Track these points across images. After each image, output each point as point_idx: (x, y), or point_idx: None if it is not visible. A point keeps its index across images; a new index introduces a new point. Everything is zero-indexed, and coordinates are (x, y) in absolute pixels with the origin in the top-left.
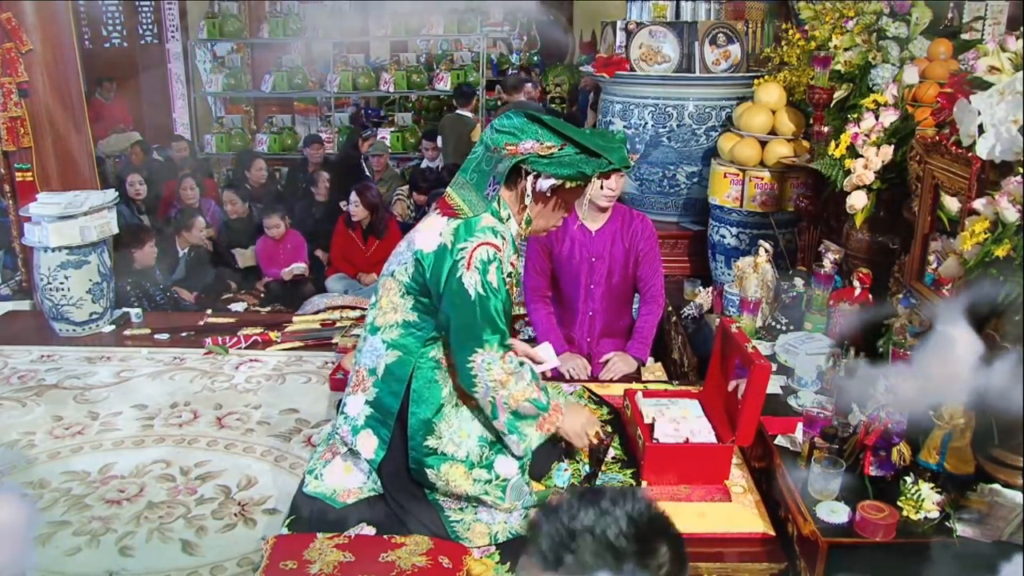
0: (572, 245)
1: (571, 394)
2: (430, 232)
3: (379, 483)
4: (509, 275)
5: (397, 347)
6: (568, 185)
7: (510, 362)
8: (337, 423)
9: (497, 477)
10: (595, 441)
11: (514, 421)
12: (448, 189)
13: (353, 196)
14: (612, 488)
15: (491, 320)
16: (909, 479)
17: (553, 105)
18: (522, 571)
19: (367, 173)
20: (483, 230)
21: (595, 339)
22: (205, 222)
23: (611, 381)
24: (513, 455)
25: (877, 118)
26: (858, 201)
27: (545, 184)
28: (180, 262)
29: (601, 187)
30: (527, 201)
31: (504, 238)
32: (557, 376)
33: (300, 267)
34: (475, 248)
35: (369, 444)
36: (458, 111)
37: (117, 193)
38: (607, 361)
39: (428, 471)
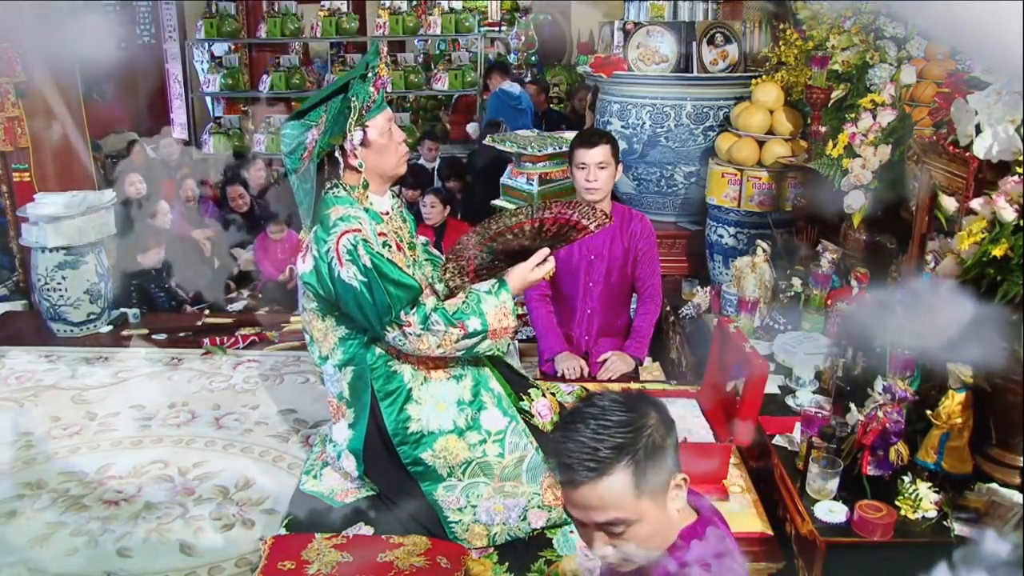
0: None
1: (569, 394)
2: (304, 254)
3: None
4: (385, 244)
5: (348, 364)
6: (366, 125)
7: (413, 333)
8: (327, 449)
9: (489, 434)
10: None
11: (466, 352)
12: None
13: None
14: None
15: (381, 304)
16: (907, 478)
17: (552, 105)
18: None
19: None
20: (335, 224)
21: (593, 337)
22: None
23: (609, 381)
24: (496, 406)
25: (875, 118)
26: (856, 201)
27: (355, 140)
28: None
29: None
30: (356, 164)
31: (358, 216)
32: (555, 376)
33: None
34: (336, 242)
35: (350, 462)
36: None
37: (114, 194)
38: (605, 360)
39: (425, 456)
